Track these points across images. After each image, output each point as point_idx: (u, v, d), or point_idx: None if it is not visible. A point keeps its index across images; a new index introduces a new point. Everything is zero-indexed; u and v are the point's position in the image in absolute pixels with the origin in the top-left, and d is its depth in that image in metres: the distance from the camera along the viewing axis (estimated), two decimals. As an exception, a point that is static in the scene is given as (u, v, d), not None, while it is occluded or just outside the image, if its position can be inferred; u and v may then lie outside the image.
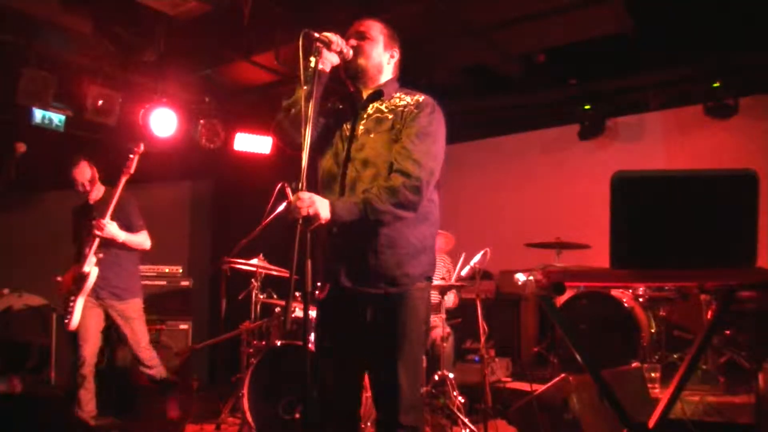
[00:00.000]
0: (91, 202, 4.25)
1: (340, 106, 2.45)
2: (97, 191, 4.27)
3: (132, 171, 4.07)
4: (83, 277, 3.97)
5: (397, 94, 2.36)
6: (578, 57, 5.59)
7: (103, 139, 5.68)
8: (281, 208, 4.27)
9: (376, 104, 2.35)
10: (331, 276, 2.29)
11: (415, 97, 2.32)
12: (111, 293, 4.11)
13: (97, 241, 3.99)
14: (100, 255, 4.04)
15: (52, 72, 5.11)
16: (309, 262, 1.96)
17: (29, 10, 4.58)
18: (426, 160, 2.19)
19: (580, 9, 4.68)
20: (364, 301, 2.23)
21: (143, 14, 4.64)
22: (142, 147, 4.12)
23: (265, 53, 5.46)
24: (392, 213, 2.13)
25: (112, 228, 4.01)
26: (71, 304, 3.95)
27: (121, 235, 4.07)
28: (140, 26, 4.85)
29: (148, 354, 4.23)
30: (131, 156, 4.09)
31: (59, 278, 4.16)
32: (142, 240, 4.20)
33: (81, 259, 4.03)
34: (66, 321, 3.97)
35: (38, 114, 5.28)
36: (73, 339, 4.10)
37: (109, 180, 4.27)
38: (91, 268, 3.98)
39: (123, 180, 4.04)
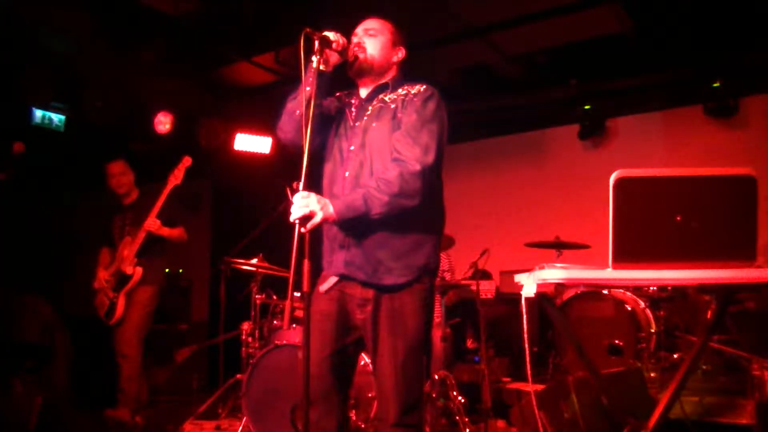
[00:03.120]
0: (126, 203, 4.60)
1: (346, 104, 2.44)
2: (132, 194, 4.62)
3: (179, 181, 4.40)
4: (127, 278, 4.37)
5: (401, 88, 2.35)
6: (578, 57, 5.59)
7: (104, 140, 5.68)
8: (281, 208, 4.28)
9: (380, 97, 2.35)
10: (331, 268, 2.28)
11: (416, 87, 2.31)
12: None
13: (141, 240, 4.34)
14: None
15: (52, 72, 5.10)
16: (308, 263, 1.96)
17: (29, 9, 4.58)
18: (425, 147, 2.16)
19: (580, 9, 4.69)
20: (365, 294, 2.21)
21: (143, 14, 4.64)
22: (189, 161, 4.43)
23: (265, 53, 5.46)
24: (393, 204, 2.11)
25: (157, 224, 4.38)
26: (115, 301, 4.37)
27: (165, 230, 4.42)
28: (140, 26, 4.85)
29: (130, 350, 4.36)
30: (179, 166, 4.40)
31: (101, 275, 4.47)
32: (180, 233, 4.55)
33: (120, 259, 4.42)
34: (112, 315, 4.37)
35: (38, 114, 5.27)
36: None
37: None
38: (135, 268, 4.37)
39: (170, 187, 4.38)
